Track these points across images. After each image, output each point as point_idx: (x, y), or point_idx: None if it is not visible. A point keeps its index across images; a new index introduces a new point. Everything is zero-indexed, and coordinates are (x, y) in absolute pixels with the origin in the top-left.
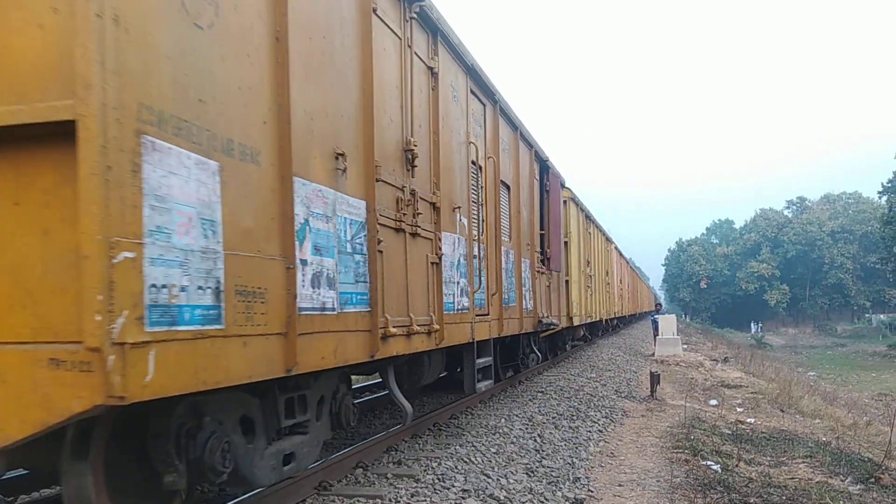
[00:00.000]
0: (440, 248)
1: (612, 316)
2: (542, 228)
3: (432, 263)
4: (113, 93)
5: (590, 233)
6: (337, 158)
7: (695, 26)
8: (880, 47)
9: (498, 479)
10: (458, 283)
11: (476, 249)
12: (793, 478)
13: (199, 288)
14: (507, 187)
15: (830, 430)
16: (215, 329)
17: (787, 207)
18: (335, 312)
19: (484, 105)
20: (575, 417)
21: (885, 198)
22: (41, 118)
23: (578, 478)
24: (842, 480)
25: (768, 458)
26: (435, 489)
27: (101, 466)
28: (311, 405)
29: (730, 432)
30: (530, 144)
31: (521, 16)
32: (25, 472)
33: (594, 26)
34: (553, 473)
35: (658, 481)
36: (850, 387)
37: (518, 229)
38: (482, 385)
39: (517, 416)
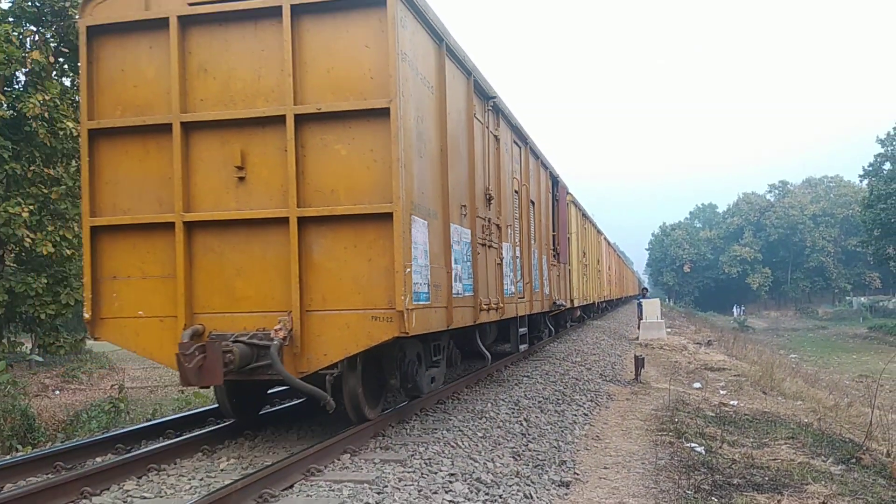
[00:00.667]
0: (501, 254)
1: (602, 299)
2: (553, 230)
3: (497, 264)
4: (404, 199)
5: (585, 228)
6: (461, 208)
7: (678, 24)
8: (862, 38)
9: (485, 463)
10: (509, 275)
11: (518, 252)
12: (775, 459)
13: (423, 284)
14: (533, 203)
15: (812, 411)
16: (427, 304)
17: (770, 191)
18: (462, 295)
19: (520, 147)
20: (560, 401)
21: (866, 181)
22: (375, 210)
23: (564, 461)
24: (823, 461)
25: (751, 440)
26: (422, 473)
27: (360, 374)
28: (441, 350)
29: (713, 415)
30: (546, 166)
31: (512, 13)
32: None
33: (586, 25)
34: (539, 457)
35: (643, 463)
36: (831, 369)
37: (540, 233)
38: (522, 346)
39: (503, 400)
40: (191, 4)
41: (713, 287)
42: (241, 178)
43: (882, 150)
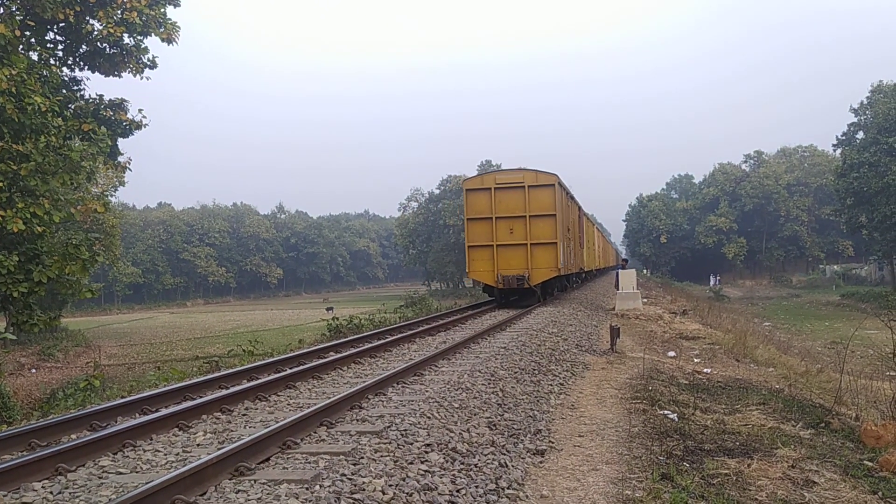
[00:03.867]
0: (570, 249)
1: (594, 268)
2: (579, 232)
3: (569, 253)
4: (558, 237)
5: (587, 225)
6: (562, 237)
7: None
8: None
9: (460, 433)
10: (570, 256)
11: (573, 246)
12: (746, 424)
13: (562, 260)
14: (574, 223)
15: (783, 377)
16: (563, 266)
17: (745, 161)
18: (565, 264)
19: (572, 202)
20: (537, 371)
21: (839, 150)
22: (551, 241)
23: (540, 430)
24: (793, 426)
25: (723, 406)
26: (398, 444)
27: (541, 287)
28: (557, 282)
29: (687, 382)
30: (578, 205)
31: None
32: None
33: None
34: (515, 426)
35: (617, 431)
36: (803, 336)
37: (577, 235)
38: (573, 287)
39: (480, 371)
40: (497, 183)
41: (689, 257)
42: (511, 232)
43: (855, 120)
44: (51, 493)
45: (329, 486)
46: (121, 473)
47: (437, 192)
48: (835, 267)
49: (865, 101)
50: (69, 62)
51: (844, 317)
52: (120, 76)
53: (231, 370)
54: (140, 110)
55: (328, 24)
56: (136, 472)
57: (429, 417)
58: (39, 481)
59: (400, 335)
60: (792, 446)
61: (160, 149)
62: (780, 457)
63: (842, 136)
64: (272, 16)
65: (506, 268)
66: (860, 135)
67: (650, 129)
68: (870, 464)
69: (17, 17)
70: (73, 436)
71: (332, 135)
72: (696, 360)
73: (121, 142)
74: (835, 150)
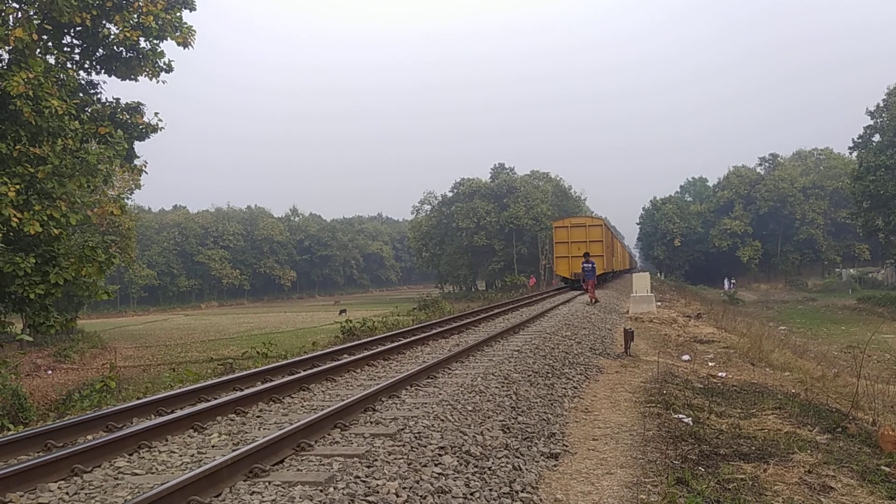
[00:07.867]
0: (610, 257)
1: (619, 269)
2: (612, 248)
3: (608, 259)
4: (604, 252)
5: (614, 239)
6: (605, 252)
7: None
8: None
9: (474, 436)
10: (609, 262)
11: (609, 257)
12: (762, 429)
13: (606, 263)
14: (609, 241)
15: (799, 382)
16: (606, 268)
17: (760, 164)
18: (606, 267)
19: (609, 230)
20: (550, 375)
21: (855, 153)
22: (601, 254)
23: (553, 433)
24: (809, 430)
25: (738, 411)
26: (412, 447)
27: (596, 279)
28: (605, 277)
29: (701, 386)
30: (610, 229)
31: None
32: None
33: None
34: (529, 430)
35: (631, 435)
36: (819, 340)
37: (610, 248)
38: (609, 281)
39: (493, 374)
40: (571, 224)
41: (704, 260)
42: (579, 249)
43: (871, 122)
44: (67, 493)
45: (343, 489)
46: (136, 474)
47: (450, 194)
48: (851, 270)
49: (881, 104)
50: (86, 66)
51: (861, 321)
52: (136, 80)
53: (245, 372)
54: (156, 113)
55: (338, 43)
56: (152, 473)
57: (442, 420)
58: (56, 482)
59: (413, 338)
60: (808, 451)
61: (175, 150)
62: (796, 462)
63: (858, 138)
64: (285, 14)
65: (576, 269)
66: (876, 137)
67: (669, 144)
68: (887, 469)
69: (35, 21)
70: (90, 437)
71: (347, 141)
72: (710, 364)
73: (137, 144)
74: (851, 153)
